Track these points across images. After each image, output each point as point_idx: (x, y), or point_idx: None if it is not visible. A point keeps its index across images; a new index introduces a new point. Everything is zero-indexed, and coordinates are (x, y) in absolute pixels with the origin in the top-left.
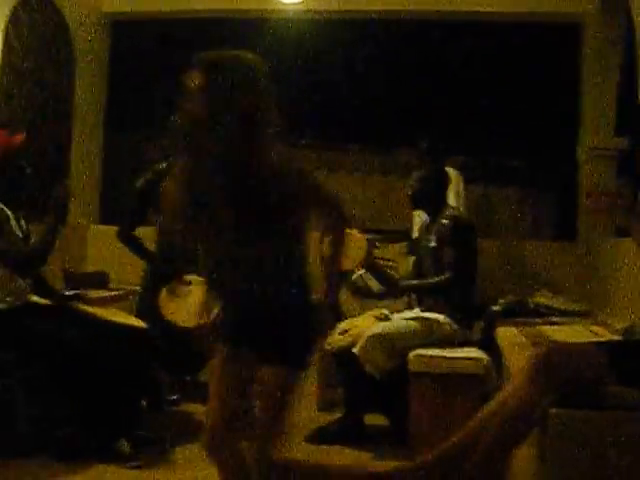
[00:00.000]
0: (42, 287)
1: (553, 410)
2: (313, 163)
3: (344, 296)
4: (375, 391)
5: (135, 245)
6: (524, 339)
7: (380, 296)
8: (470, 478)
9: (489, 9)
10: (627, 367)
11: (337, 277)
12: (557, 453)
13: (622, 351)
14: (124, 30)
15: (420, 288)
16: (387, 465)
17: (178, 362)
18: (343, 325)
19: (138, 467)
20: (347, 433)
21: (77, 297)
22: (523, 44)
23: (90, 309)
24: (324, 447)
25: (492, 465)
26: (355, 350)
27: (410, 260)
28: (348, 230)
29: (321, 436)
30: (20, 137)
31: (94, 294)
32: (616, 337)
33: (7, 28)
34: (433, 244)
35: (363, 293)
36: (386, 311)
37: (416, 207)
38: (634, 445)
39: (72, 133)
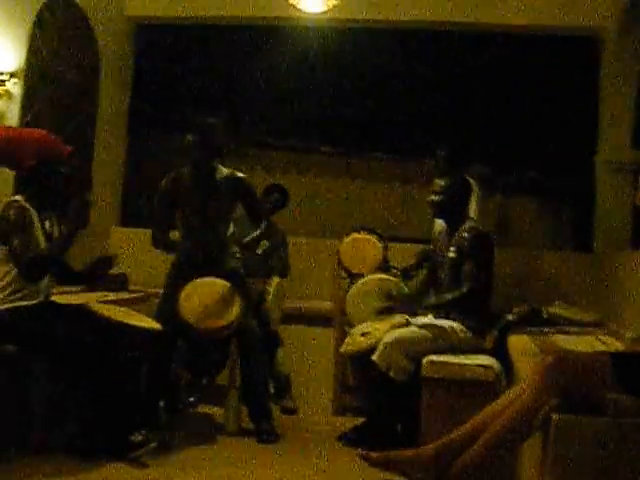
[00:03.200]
0: (68, 274)
1: (556, 416)
2: (333, 170)
3: (355, 299)
4: (390, 396)
5: (170, 247)
6: (535, 348)
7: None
8: (465, 471)
9: (509, 22)
10: (631, 376)
11: None
12: (559, 458)
13: (627, 361)
14: (148, 33)
15: (440, 306)
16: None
17: (197, 362)
18: (364, 328)
19: (144, 465)
20: (371, 438)
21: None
22: (543, 57)
23: (105, 311)
24: (337, 450)
25: (487, 462)
26: (374, 357)
27: (422, 272)
28: (365, 236)
29: (346, 440)
30: (70, 150)
31: (114, 296)
32: (623, 347)
33: (32, 30)
34: (452, 255)
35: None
36: (407, 316)
37: (437, 216)
38: (634, 451)
39: (96, 135)
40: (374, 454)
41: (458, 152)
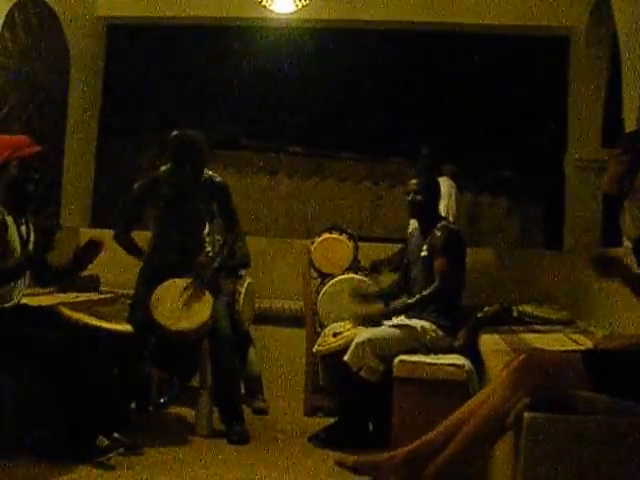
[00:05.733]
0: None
1: (528, 414)
2: (304, 171)
3: (326, 300)
4: (361, 396)
5: (131, 247)
6: (505, 346)
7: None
8: (439, 473)
9: (480, 22)
10: (600, 374)
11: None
12: (531, 457)
13: (598, 359)
14: (119, 34)
15: (411, 305)
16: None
17: (169, 361)
18: (335, 328)
19: (111, 467)
20: (344, 438)
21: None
22: (513, 57)
23: (75, 314)
24: (309, 451)
25: (461, 462)
26: (346, 358)
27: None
28: (336, 236)
29: (317, 440)
30: (38, 148)
31: (85, 297)
32: (593, 345)
33: (2, 30)
34: (425, 253)
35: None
36: None
37: (414, 215)
38: (605, 448)
39: (65, 136)
40: (349, 459)
41: (440, 150)
